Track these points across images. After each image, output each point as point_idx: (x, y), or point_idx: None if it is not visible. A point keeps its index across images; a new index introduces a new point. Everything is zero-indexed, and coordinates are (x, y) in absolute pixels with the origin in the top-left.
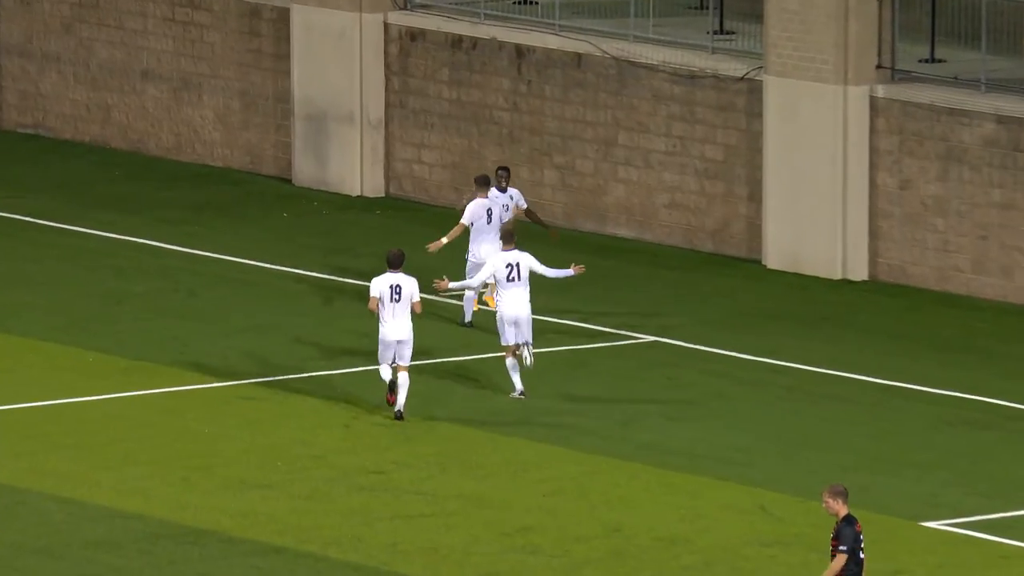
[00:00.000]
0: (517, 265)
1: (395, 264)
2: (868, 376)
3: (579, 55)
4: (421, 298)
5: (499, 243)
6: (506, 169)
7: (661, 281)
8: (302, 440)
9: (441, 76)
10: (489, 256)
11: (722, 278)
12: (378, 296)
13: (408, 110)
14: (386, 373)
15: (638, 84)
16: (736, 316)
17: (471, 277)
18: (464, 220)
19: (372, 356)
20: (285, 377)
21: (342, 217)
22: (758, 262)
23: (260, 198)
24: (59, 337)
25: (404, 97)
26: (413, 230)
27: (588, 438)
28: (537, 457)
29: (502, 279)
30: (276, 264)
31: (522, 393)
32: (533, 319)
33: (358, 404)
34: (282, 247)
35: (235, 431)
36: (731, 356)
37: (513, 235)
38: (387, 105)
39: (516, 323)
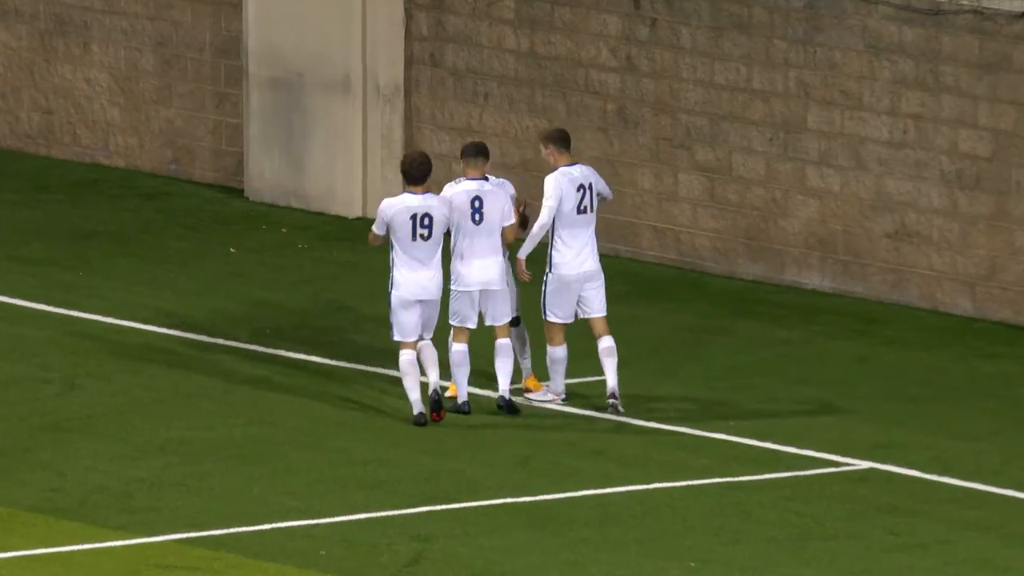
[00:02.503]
0: (589, 187)
1: (418, 178)
2: None
3: None
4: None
5: (490, 247)
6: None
7: (882, 366)
8: None
9: (502, 12)
10: (465, 274)
11: (987, 361)
12: (383, 230)
13: (445, 70)
14: (411, 376)
15: (842, 26)
16: (1015, 427)
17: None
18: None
19: (382, 488)
20: (234, 530)
21: (330, 255)
22: None
23: (189, 222)
24: None
25: (439, 48)
26: None
27: None
28: None
29: (568, 211)
30: (215, 336)
31: (561, 397)
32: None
33: (364, 571)
34: (227, 307)
35: None
36: (1007, 496)
37: (569, 138)
38: (409, 62)
39: (582, 285)
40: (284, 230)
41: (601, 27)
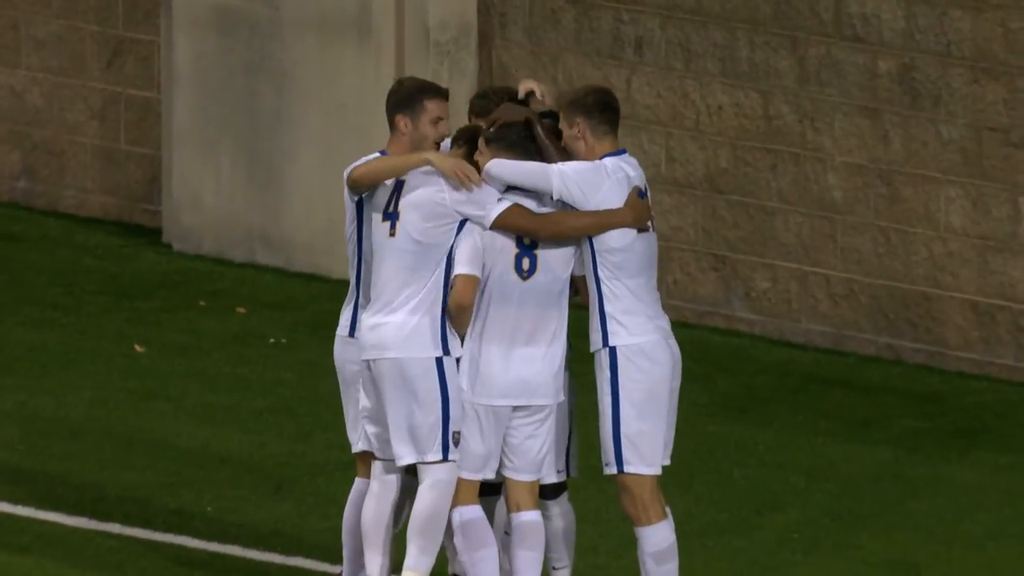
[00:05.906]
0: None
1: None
2: None
3: None
4: None
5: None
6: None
7: None
8: None
9: None
10: (489, 375)
11: None
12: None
13: None
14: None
15: None
16: None
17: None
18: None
19: None
20: None
21: (331, 359)
22: None
23: (53, 294)
24: None
25: None
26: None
27: None
28: None
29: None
30: (106, 520)
31: None
32: None
33: None
34: (131, 463)
35: None
36: None
37: (619, 108)
38: None
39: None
40: (242, 310)
41: None
